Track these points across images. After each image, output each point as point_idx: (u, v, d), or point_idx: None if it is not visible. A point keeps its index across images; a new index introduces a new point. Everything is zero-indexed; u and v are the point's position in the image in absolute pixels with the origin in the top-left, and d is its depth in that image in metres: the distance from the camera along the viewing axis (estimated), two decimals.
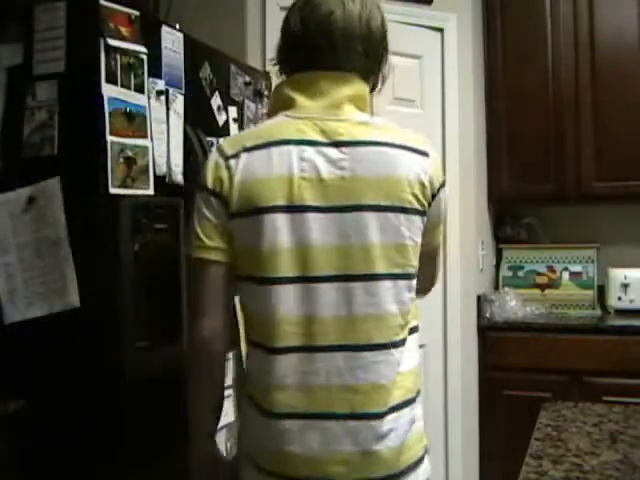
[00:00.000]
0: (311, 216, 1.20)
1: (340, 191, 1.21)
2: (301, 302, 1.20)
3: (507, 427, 3.05)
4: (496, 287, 3.54)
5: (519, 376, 3.10)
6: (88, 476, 1.64)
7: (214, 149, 1.30)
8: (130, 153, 1.68)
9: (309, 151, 1.22)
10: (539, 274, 3.47)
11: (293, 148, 1.22)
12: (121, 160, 1.65)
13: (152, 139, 1.76)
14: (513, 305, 3.24)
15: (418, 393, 1.30)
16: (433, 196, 1.28)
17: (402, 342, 1.25)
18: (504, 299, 3.26)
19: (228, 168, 1.23)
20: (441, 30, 3.08)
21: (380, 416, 1.20)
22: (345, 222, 1.21)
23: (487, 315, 3.22)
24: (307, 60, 1.29)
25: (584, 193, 3.28)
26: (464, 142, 3.15)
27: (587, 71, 3.25)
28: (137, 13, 1.72)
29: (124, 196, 1.66)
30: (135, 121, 1.70)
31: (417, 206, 1.25)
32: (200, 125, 1.96)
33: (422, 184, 1.25)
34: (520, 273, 3.51)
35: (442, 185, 1.31)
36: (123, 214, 1.65)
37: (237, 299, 1.34)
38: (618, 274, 3.26)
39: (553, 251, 3.50)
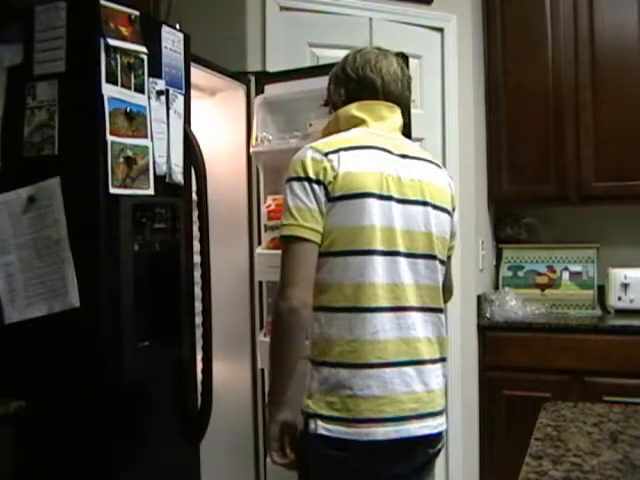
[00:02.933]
0: (394, 204, 1.50)
1: (412, 189, 1.54)
2: (388, 272, 1.48)
3: (507, 427, 3.05)
4: (496, 287, 3.54)
5: (519, 376, 3.09)
6: (88, 476, 1.64)
7: (306, 149, 1.53)
8: (130, 153, 1.68)
9: (388, 157, 1.55)
10: (539, 274, 3.47)
11: (379, 152, 1.54)
12: (121, 160, 1.65)
13: (152, 139, 1.76)
14: (513, 305, 3.23)
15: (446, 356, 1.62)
16: (454, 208, 1.67)
17: (443, 311, 1.60)
18: (504, 299, 3.25)
19: (330, 161, 1.48)
20: (441, 30, 3.08)
21: (427, 362, 1.52)
22: (415, 213, 1.53)
23: (487, 315, 3.22)
24: (363, 92, 1.63)
25: (584, 193, 3.28)
26: (464, 142, 3.14)
27: (587, 71, 3.24)
28: (137, 13, 1.72)
29: (124, 196, 1.66)
30: (135, 121, 1.70)
31: (450, 210, 1.63)
32: None
33: (452, 196, 1.66)
34: (520, 273, 3.51)
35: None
36: (123, 214, 1.66)
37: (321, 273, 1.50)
38: (618, 274, 3.25)
39: (553, 251, 3.50)
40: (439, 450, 1.58)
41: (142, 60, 1.73)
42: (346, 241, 1.46)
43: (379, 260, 1.47)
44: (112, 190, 1.63)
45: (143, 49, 1.73)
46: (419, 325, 1.52)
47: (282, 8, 2.72)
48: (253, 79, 2.51)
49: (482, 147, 3.38)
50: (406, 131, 1.78)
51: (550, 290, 3.42)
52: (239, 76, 2.49)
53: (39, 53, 1.68)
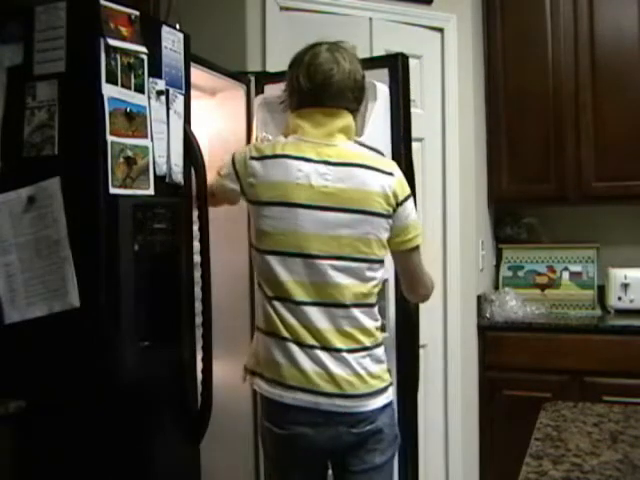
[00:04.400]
0: (302, 211, 1.67)
1: (324, 196, 1.68)
2: (284, 270, 1.69)
3: (507, 427, 3.05)
4: (496, 287, 3.55)
5: (519, 376, 3.10)
6: (88, 476, 1.64)
7: (250, 146, 1.86)
8: (130, 153, 1.68)
9: (305, 165, 1.69)
10: (539, 274, 3.48)
11: (295, 162, 1.70)
12: (121, 160, 1.65)
13: (152, 139, 1.76)
14: (513, 305, 3.24)
15: (377, 345, 1.76)
16: (397, 204, 1.73)
17: (363, 305, 1.72)
18: (504, 299, 3.26)
19: (250, 166, 1.75)
20: (441, 30, 3.08)
21: (343, 351, 1.68)
22: (326, 218, 1.68)
23: (487, 315, 3.22)
24: (312, 101, 1.75)
25: (584, 193, 3.28)
26: (464, 142, 3.15)
27: (587, 71, 3.25)
28: (137, 13, 1.72)
29: (124, 196, 1.66)
30: (135, 121, 1.70)
31: (381, 211, 1.70)
32: None
33: (386, 195, 1.71)
34: (520, 273, 3.51)
35: (407, 198, 1.76)
36: (123, 214, 1.66)
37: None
38: (618, 274, 3.25)
39: (553, 251, 3.50)
40: (372, 432, 1.70)
41: (142, 60, 1.73)
42: (258, 241, 1.74)
43: (279, 259, 1.69)
44: (112, 190, 1.63)
45: (143, 49, 1.73)
46: (320, 318, 1.68)
47: (282, 8, 2.72)
48: (253, 79, 2.51)
49: (482, 147, 3.39)
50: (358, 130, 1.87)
51: (550, 290, 3.43)
52: (239, 76, 2.49)
53: (39, 53, 1.67)
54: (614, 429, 1.47)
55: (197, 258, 1.96)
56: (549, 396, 2.63)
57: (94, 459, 1.64)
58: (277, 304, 1.71)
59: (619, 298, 3.25)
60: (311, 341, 1.68)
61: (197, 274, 1.96)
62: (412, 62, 3.00)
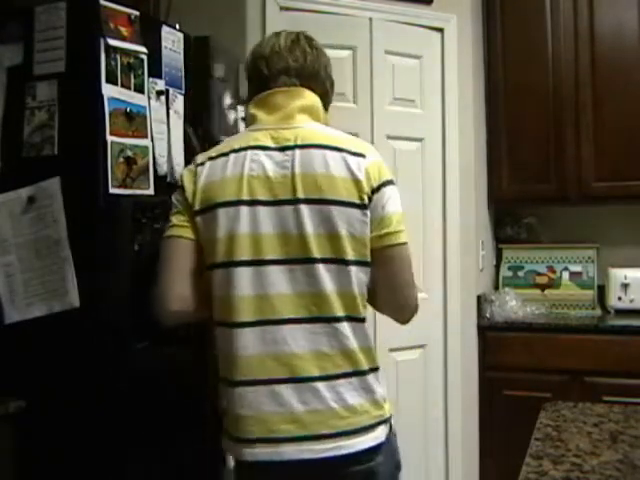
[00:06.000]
0: (259, 208, 1.40)
1: (282, 187, 1.40)
2: (254, 283, 1.38)
3: (507, 427, 3.05)
4: (496, 287, 3.54)
5: (519, 376, 3.10)
6: (88, 476, 1.64)
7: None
8: (130, 153, 1.68)
9: (259, 154, 1.43)
10: (539, 274, 3.47)
11: (248, 153, 1.43)
12: (121, 160, 1.65)
13: (152, 139, 1.76)
14: (513, 305, 3.23)
15: (372, 369, 1.43)
16: (373, 191, 1.41)
17: (346, 319, 1.40)
18: (504, 299, 3.25)
19: (195, 174, 1.46)
20: (441, 30, 3.08)
21: (321, 379, 1.36)
22: (285, 213, 1.39)
23: (487, 315, 3.22)
24: (265, 81, 1.51)
25: (584, 193, 3.28)
26: (464, 142, 3.14)
27: (587, 71, 3.25)
28: (137, 13, 1.72)
29: (124, 196, 1.66)
30: (135, 121, 1.70)
31: (352, 199, 1.39)
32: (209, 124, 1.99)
33: (355, 180, 1.40)
34: (520, 273, 3.51)
35: (385, 183, 1.44)
36: (123, 214, 1.66)
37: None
38: (618, 274, 3.25)
39: (553, 251, 3.50)
40: (363, 475, 1.37)
41: (142, 60, 1.73)
42: (211, 254, 1.41)
43: (242, 271, 1.38)
44: (112, 190, 1.63)
45: (143, 49, 1.73)
46: (300, 338, 1.36)
47: (282, 8, 2.72)
48: None
49: (482, 147, 3.39)
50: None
51: (550, 290, 3.43)
52: None
53: (39, 53, 1.67)
54: (614, 429, 1.47)
55: None
56: (549, 396, 2.62)
57: (94, 459, 1.64)
58: (236, 331, 1.38)
59: (619, 298, 3.25)
60: (273, 374, 1.36)
61: None
62: (412, 62, 3.02)
